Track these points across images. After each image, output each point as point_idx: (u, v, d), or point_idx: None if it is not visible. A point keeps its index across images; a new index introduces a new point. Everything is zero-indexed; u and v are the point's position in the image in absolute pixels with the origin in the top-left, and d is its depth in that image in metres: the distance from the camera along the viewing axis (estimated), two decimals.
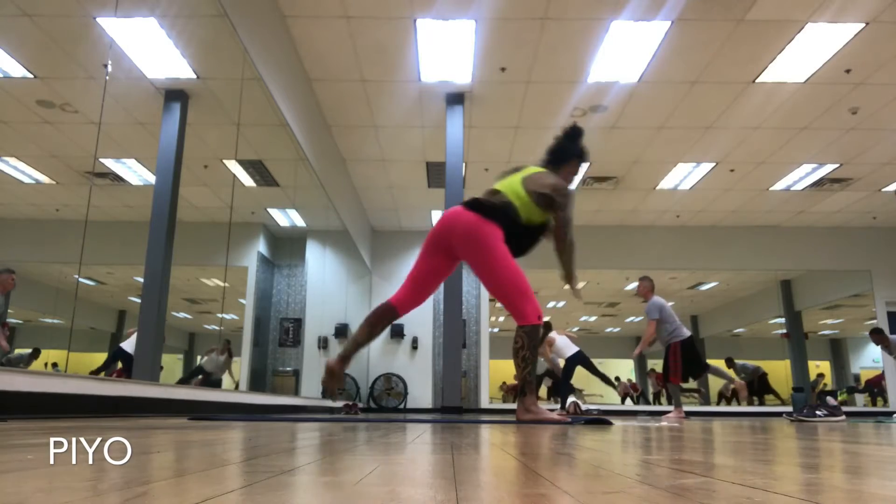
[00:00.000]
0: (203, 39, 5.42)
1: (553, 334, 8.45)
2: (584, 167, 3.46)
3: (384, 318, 3.40)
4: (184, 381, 9.89)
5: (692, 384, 10.95)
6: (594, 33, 5.75)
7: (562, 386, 8.58)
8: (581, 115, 7.26)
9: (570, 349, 8.41)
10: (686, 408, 6.88)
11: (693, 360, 6.69)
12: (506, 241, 3.06)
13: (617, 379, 16.60)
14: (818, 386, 12.91)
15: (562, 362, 8.53)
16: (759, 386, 11.58)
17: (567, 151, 3.34)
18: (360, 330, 3.36)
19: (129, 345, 7.95)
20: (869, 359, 13.47)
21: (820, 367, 13.76)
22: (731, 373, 11.87)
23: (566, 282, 3.40)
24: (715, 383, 14.27)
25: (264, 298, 11.03)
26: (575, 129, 3.40)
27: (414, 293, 3.38)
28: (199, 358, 12.13)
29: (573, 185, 3.35)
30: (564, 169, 3.32)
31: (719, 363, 13.98)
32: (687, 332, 6.72)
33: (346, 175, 9.05)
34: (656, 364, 16.37)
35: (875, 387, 12.76)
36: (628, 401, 16.24)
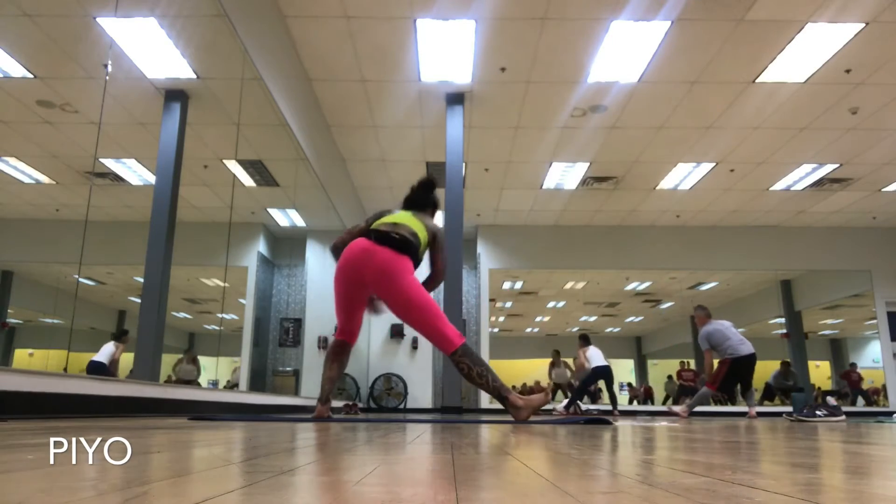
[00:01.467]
0: (203, 39, 5.42)
1: (590, 346, 9.05)
2: (438, 216, 3.80)
3: (342, 352, 3.49)
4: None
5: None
6: (594, 33, 5.75)
7: (577, 389, 8.79)
8: (581, 115, 7.26)
9: (601, 360, 8.83)
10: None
11: (733, 380, 6.82)
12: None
13: (630, 385, 16.61)
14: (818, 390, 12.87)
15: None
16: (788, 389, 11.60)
17: (427, 202, 3.71)
18: (329, 368, 3.45)
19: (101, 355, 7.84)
20: (869, 359, 13.46)
21: (820, 368, 13.76)
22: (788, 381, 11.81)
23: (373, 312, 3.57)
24: None
25: (264, 298, 11.03)
26: (427, 181, 3.75)
27: (349, 323, 3.42)
28: (199, 359, 12.13)
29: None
30: (431, 213, 3.70)
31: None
32: (746, 351, 6.76)
33: (346, 175, 9.05)
34: (658, 363, 16.41)
35: (853, 385, 12.73)
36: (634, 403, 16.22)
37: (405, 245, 3.19)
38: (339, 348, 3.47)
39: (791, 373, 11.51)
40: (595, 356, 8.83)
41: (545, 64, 6.24)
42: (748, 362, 6.75)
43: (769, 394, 11.64)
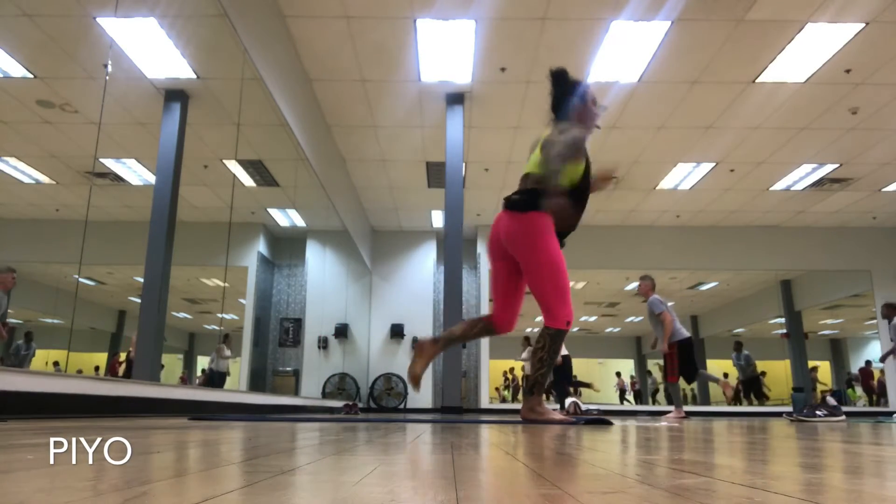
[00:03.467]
0: (203, 39, 5.42)
1: None
2: (591, 102, 3.11)
3: (484, 328, 3.19)
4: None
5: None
6: (594, 33, 5.75)
7: (559, 389, 8.62)
8: None
9: (563, 349, 8.47)
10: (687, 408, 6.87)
11: (688, 362, 6.58)
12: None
13: (618, 374, 16.63)
14: (817, 379, 12.88)
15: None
16: (754, 387, 11.54)
17: (565, 99, 3.06)
18: (461, 325, 3.20)
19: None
20: (868, 359, 13.47)
21: (819, 367, 13.76)
22: (731, 372, 11.86)
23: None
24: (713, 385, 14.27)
25: (264, 298, 11.03)
26: (556, 73, 3.11)
27: (503, 305, 3.13)
28: (199, 359, 12.15)
29: (592, 124, 3.09)
30: (575, 114, 3.03)
31: (720, 364, 14.00)
32: (686, 333, 6.65)
33: (346, 175, 9.05)
34: (659, 362, 16.39)
35: (868, 384, 12.76)
36: (627, 398, 16.26)
37: (524, 203, 2.87)
38: (484, 323, 3.16)
39: (743, 353, 11.44)
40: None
41: (545, 64, 6.20)
42: (690, 343, 6.56)
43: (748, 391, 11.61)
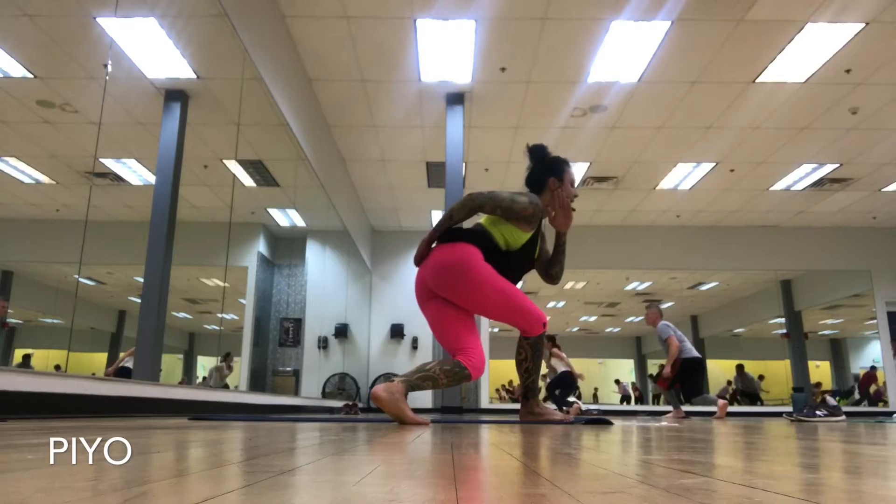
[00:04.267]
0: (203, 39, 5.42)
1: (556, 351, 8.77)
2: (569, 182, 3.01)
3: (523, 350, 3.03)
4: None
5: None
6: (594, 33, 5.75)
7: (558, 399, 8.65)
8: (581, 115, 7.26)
9: (562, 367, 8.59)
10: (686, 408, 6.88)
11: (693, 383, 6.68)
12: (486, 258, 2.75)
13: (617, 382, 16.63)
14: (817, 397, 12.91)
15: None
16: (753, 399, 11.85)
17: (538, 173, 3.01)
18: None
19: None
20: (869, 359, 13.45)
21: (820, 368, 13.76)
22: (730, 372, 11.91)
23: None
24: (715, 383, 14.27)
25: (264, 298, 11.03)
26: (535, 148, 3.09)
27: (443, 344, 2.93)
28: (199, 359, 12.14)
29: (566, 205, 2.96)
30: (546, 193, 2.98)
31: (720, 364, 14.01)
32: (695, 353, 6.76)
33: (346, 175, 9.05)
34: (658, 363, 16.38)
35: (865, 388, 12.77)
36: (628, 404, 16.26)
37: (458, 234, 2.77)
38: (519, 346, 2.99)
39: (746, 375, 11.89)
40: (559, 362, 8.63)
41: (545, 64, 6.24)
42: (698, 365, 6.72)
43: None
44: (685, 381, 6.63)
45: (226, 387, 9.46)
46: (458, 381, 2.66)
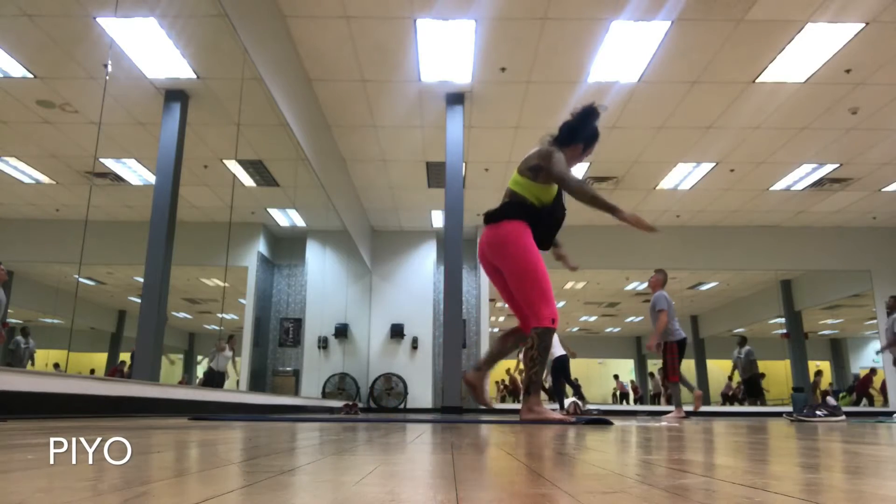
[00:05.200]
0: (203, 39, 5.42)
1: None
2: (587, 149, 3.42)
3: (513, 339, 3.42)
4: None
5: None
6: (594, 33, 5.75)
7: (554, 388, 8.61)
8: None
9: (560, 349, 8.45)
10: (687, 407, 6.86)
11: (681, 359, 6.65)
12: (532, 228, 3.09)
13: (616, 377, 16.64)
14: (820, 385, 12.86)
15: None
16: (754, 387, 11.36)
17: (573, 132, 3.31)
18: (493, 344, 3.50)
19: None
20: (869, 359, 13.47)
21: (819, 367, 13.77)
22: (729, 371, 11.82)
23: (619, 219, 3.26)
24: (715, 383, 14.28)
25: (264, 298, 11.03)
26: (589, 108, 3.36)
27: (515, 309, 3.35)
28: (198, 358, 12.14)
29: (580, 164, 3.34)
30: (569, 149, 3.27)
31: (720, 364, 14.00)
32: (683, 334, 6.68)
33: (346, 175, 9.05)
34: (658, 363, 16.42)
35: (862, 390, 12.76)
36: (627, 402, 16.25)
37: (500, 213, 3.12)
38: (514, 334, 3.39)
39: (747, 352, 11.23)
40: (557, 344, 8.39)
41: (545, 64, 6.24)
42: (685, 345, 6.61)
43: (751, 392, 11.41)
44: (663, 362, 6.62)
45: (221, 375, 9.42)
46: (546, 341, 3.04)
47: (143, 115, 6.41)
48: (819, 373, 13.23)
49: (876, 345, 11.59)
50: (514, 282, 3.10)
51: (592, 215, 11.38)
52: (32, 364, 7.67)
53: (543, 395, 8.66)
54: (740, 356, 10.98)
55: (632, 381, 16.43)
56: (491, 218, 3.16)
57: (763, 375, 11.84)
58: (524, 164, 3.17)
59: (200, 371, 10.87)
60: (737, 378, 11.85)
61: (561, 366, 8.46)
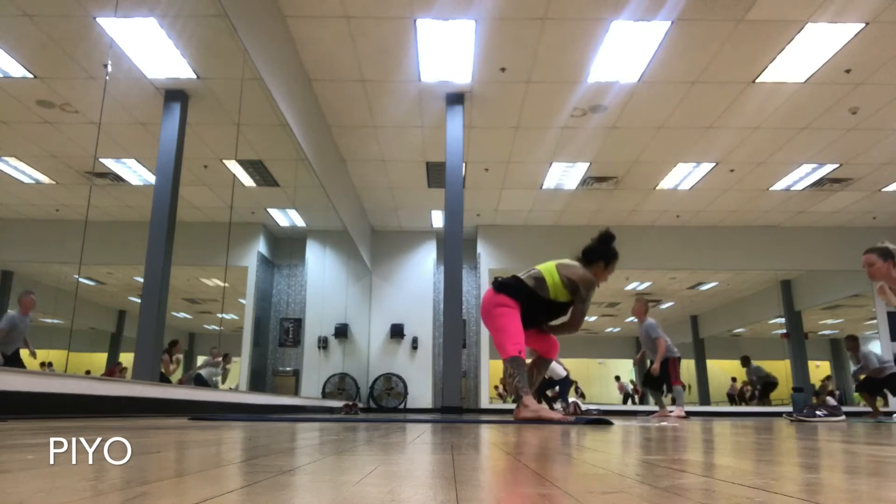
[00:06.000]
0: (203, 39, 5.42)
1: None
2: (609, 270, 4.05)
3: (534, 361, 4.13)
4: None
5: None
6: (594, 33, 5.75)
7: (560, 394, 8.74)
8: (581, 115, 7.26)
9: (562, 371, 8.70)
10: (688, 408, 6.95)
11: (667, 378, 6.95)
12: (523, 306, 3.66)
13: (617, 378, 16.63)
14: (826, 389, 12.83)
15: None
16: (761, 393, 11.60)
17: (596, 253, 3.88)
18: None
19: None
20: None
21: (820, 368, 13.77)
22: (731, 372, 11.87)
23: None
24: (715, 383, 14.28)
25: (264, 298, 11.03)
26: (606, 235, 3.98)
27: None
28: (199, 359, 12.14)
29: (601, 284, 3.91)
30: (593, 267, 3.84)
31: (720, 364, 13.99)
32: (677, 353, 7.01)
33: (346, 175, 9.05)
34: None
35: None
36: (630, 403, 16.23)
37: (504, 286, 3.72)
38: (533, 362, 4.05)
39: (753, 366, 11.63)
40: (557, 367, 8.65)
41: (545, 64, 6.24)
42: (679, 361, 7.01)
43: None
44: (668, 375, 6.87)
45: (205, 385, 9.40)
46: (519, 368, 3.57)
47: (143, 115, 6.41)
48: (828, 378, 13.27)
49: (876, 345, 11.58)
50: (492, 331, 3.76)
51: (592, 215, 11.39)
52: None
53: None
54: (752, 377, 11.50)
55: (632, 381, 16.43)
56: (497, 287, 3.75)
57: (775, 383, 11.92)
58: (566, 271, 3.71)
59: (180, 371, 10.82)
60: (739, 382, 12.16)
61: (550, 382, 8.63)
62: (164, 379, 9.28)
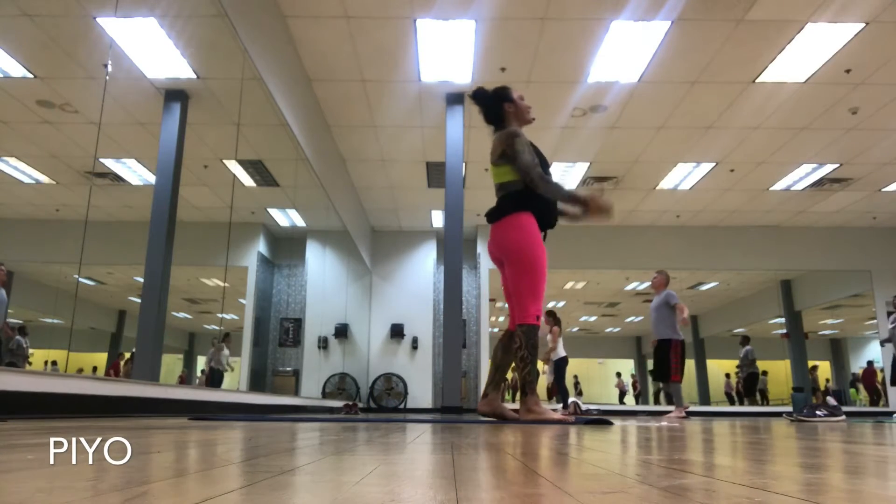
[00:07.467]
0: (203, 39, 5.42)
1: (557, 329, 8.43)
2: (518, 98, 3.59)
3: (506, 342, 3.37)
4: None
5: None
6: (594, 33, 5.75)
7: (559, 387, 8.58)
8: (581, 115, 7.26)
9: (562, 350, 8.43)
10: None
11: (667, 364, 6.65)
12: (538, 211, 3.14)
13: (618, 375, 16.65)
14: (818, 382, 12.82)
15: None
16: (745, 385, 11.30)
17: (493, 111, 3.45)
18: (491, 362, 3.48)
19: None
20: (869, 359, 13.47)
21: (818, 366, 13.76)
22: (731, 371, 11.83)
23: (582, 205, 3.26)
24: (715, 383, 14.28)
25: (264, 298, 11.03)
26: (474, 95, 3.48)
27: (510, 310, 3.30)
28: (199, 359, 12.15)
29: (528, 118, 3.52)
30: (508, 121, 3.43)
31: (720, 364, 13.99)
32: (682, 335, 6.73)
33: (346, 175, 9.05)
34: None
35: (870, 383, 12.75)
36: (628, 400, 16.25)
37: (500, 209, 3.22)
38: (506, 338, 3.36)
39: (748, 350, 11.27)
40: (560, 344, 8.29)
41: (545, 64, 6.24)
42: (685, 348, 6.68)
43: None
44: (677, 362, 6.60)
45: (221, 374, 9.42)
46: (532, 339, 3.03)
47: (143, 115, 6.41)
48: (814, 367, 13.15)
49: (876, 345, 11.59)
50: (512, 270, 3.11)
51: None
52: (29, 365, 7.67)
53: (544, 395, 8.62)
54: (742, 362, 11.09)
55: (632, 375, 16.44)
56: (492, 216, 3.24)
57: (765, 373, 11.78)
58: (494, 156, 3.32)
59: (199, 370, 10.87)
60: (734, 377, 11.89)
61: (561, 368, 8.43)
62: (220, 375, 9.38)
